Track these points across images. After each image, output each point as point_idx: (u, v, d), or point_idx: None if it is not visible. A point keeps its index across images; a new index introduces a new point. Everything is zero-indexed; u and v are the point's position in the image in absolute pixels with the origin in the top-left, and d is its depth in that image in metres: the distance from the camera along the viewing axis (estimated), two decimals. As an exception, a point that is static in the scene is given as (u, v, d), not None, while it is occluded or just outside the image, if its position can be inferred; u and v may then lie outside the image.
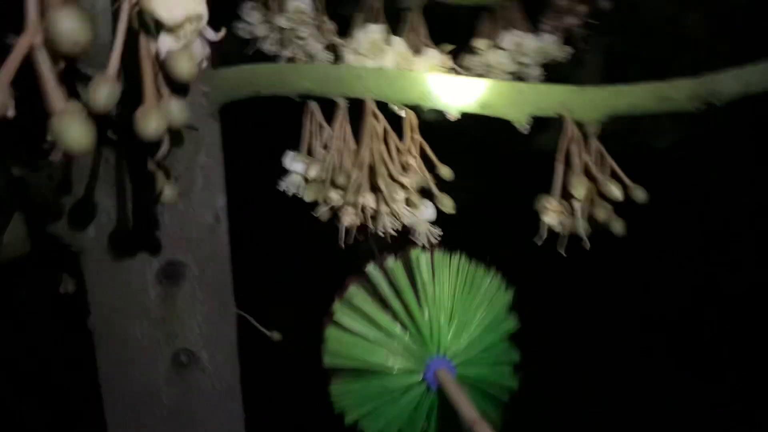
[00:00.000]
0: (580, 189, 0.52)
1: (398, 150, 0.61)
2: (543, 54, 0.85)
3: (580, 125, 0.55)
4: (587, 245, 0.54)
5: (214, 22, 0.37)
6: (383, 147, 0.59)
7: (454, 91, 0.56)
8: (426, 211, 0.62)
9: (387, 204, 0.60)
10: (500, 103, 0.56)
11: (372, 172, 0.59)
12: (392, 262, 0.55)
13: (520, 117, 0.55)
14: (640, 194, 0.53)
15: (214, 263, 0.62)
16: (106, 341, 0.60)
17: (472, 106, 0.56)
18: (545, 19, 0.97)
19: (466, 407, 0.49)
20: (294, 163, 0.67)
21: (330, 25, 0.78)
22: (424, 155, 0.64)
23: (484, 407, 0.58)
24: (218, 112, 0.63)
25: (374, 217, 0.62)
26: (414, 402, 0.56)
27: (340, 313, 0.54)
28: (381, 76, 0.59)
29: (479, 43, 0.89)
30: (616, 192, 0.52)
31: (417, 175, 0.61)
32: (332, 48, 0.79)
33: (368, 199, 0.61)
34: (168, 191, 0.39)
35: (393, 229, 0.61)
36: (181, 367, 0.59)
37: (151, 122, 0.28)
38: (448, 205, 0.62)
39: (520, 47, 0.85)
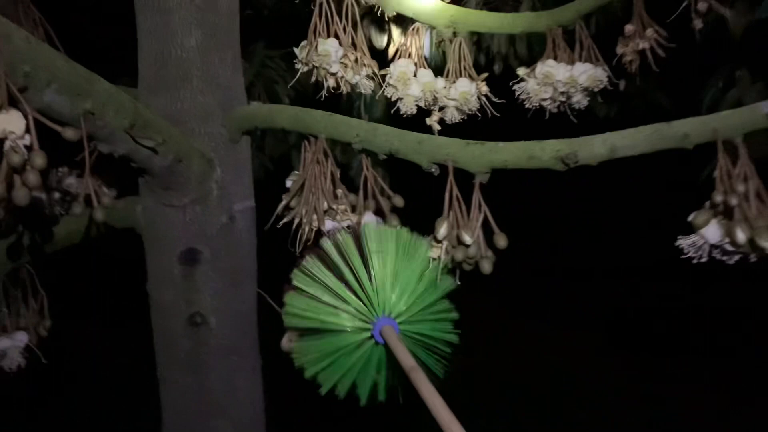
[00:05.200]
0: (440, 229, 0.60)
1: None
2: (572, 84, 0.87)
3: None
4: (456, 282, 0.62)
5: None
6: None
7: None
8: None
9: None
10: (406, 151, 0.65)
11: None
12: (343, 235, 0.65)
13: (423, 162, 0.65)
14: (501, 242, 0.59)
15: (226, 253, 0.83)
16: (154, 300, 0.85)
17: (385, 150, 0.67)
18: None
19: (405, 357, 0.58)
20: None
21: (368, 60, 0.91)
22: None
23: (427, 358, 0.66)
24: (243, 136, 0.83)
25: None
26: (365, 356, 0.65)
27: (298, 280, 0.65)
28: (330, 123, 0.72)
29: (520, 70, 0.94)
30: (465, 238, 0.59)
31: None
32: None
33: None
34: (98, 213, 0.59)
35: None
36: (194, 325, 0.82)
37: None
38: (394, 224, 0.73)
39: (548, 77, 0.87)
